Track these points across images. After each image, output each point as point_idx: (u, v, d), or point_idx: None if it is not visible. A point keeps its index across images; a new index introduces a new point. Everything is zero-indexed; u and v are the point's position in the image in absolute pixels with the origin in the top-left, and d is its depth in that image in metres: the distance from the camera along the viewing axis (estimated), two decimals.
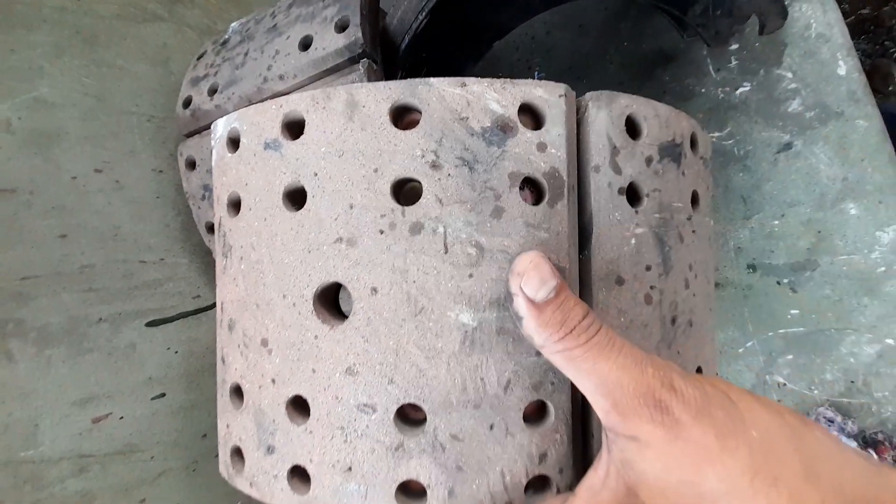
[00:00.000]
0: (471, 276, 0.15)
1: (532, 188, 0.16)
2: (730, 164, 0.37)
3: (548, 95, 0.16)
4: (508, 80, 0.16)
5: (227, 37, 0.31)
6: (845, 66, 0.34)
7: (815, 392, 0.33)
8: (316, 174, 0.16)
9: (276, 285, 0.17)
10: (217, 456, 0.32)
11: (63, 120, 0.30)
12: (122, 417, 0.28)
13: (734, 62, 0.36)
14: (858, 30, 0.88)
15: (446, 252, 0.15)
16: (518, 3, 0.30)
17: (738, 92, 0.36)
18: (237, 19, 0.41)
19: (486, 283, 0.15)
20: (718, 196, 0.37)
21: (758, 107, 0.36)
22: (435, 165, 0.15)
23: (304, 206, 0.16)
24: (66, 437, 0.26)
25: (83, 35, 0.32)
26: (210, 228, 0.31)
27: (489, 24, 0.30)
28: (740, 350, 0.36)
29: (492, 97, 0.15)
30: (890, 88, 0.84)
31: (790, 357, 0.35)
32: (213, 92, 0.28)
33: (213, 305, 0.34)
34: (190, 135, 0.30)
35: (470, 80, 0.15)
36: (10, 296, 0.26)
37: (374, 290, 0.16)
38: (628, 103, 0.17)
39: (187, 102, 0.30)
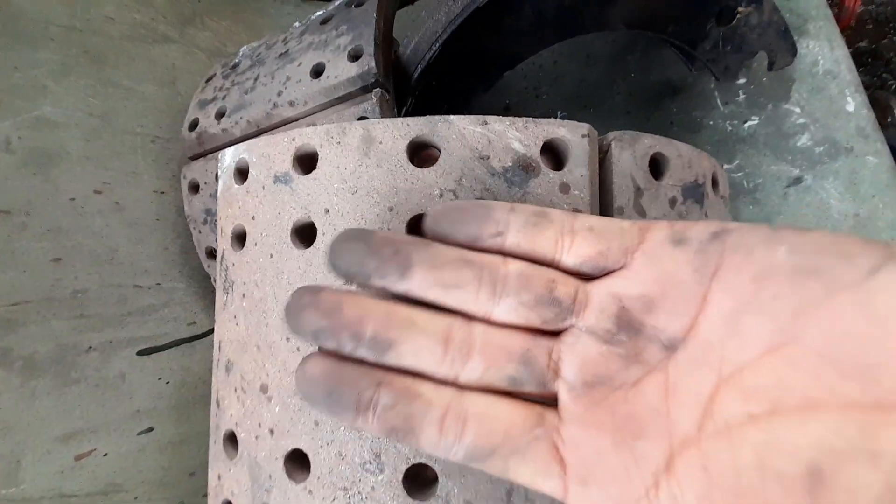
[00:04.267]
0: None
1: None
2: (739, 197, 0.36)
3: (571, 135, 0.15)
4: (531, 119, 0.15)
5: (237, 60, 0.30)
6: (853, 102, 0.35)
7: None
8: (327, 211, 0.15)
9: (280, 327, 0.16)
10: (205, 496, 0.30)
11: (65, 139, 0.29)
12: (106, 454, 0.27)
13: (742, 96, 0.36)
14: (857, 62, 0.90)
15: None
16: (530, 34, 0.30)
17: (746, 125, 0.36)
18: (247, 42, 0.41)
19: None
20: None
21: (766, 140, 0.36)
22: None
23: (314, 244, 0.16)
24: (48, 474, 0.25)
25: (91, 55, 0.32)
26: (210, 253, 0.30)
27: (501, 55, 0.30)
28: None
29: (514, 136, 0.15)
30: (889, 120, 0.86)
31: None
32: (220, 115, 0.28)
33: (209, 332, 0.33)
34: (194, 157, 0.30)
35: (491, 119, 0.15)
36: None
37: None
38: (652, 143, 0.17)
39: (193, 125, 0.29)
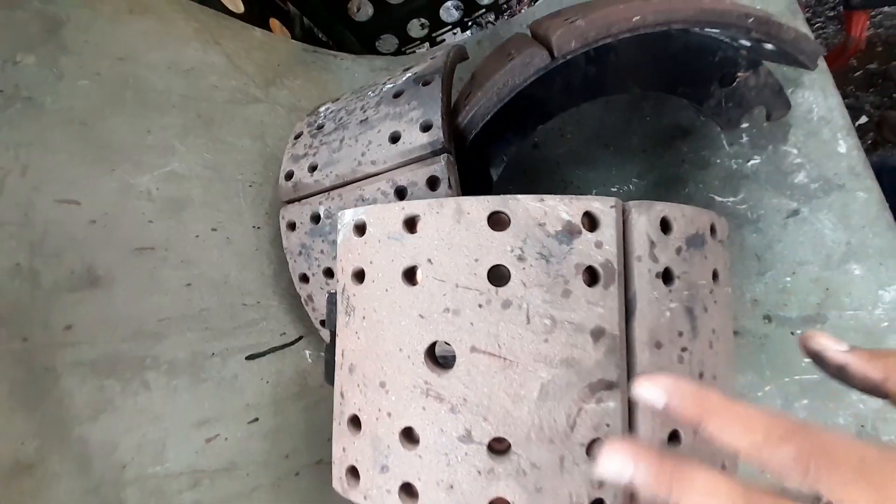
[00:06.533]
0: (546, 340, 0.21)
1: (587, 274, 0.22)
2: (744, 226, 0.42)
3: (602, 206, 0.21)
4: (574, 196, 0.21)
5: (321, 122, 0.38)
6: (845, 144, 0.39)
7: None
8: (429, 260, 0.22)
9: (394, 341, 0.22)
10: (297, 474, 0.37)
11: (189, 189, 0.37)
12: (226, 438, 0.34)
13: (745, 138, 0.42)
14: (867, 83, 0.93)
15: (528, 322, 0.21)
16: (560, 98, 0.36)
17: (749, 164, 0.42)
18: (317, 96, 0.48)
19: (558, 346, 0.21)
20: (735, 253, 0.42)
21: (767, 177, 0.41)
22: (521, 258, 0.21)
23: (419, 283, 0.22)
24: (186, 454, 0.32)
25: (203, 118, 0.40)
26: (302, 278, 0.37)
27: (537, 114, 0.37)
28: (759, 394, 0.40)
29: (563, 209, 0.21)
30: None
31: (805, 402, 0.38)
32: (312, 169, 0.35)
33: (295, 341, 0.40)
34: (290, 201, 0.37)
35: (546, 197, 0.21)
36: (150, 335, 0.32)
37: (473, 348, 0.21)
38: (662, 209, 0.23)
39: (289, 175, 0.36)
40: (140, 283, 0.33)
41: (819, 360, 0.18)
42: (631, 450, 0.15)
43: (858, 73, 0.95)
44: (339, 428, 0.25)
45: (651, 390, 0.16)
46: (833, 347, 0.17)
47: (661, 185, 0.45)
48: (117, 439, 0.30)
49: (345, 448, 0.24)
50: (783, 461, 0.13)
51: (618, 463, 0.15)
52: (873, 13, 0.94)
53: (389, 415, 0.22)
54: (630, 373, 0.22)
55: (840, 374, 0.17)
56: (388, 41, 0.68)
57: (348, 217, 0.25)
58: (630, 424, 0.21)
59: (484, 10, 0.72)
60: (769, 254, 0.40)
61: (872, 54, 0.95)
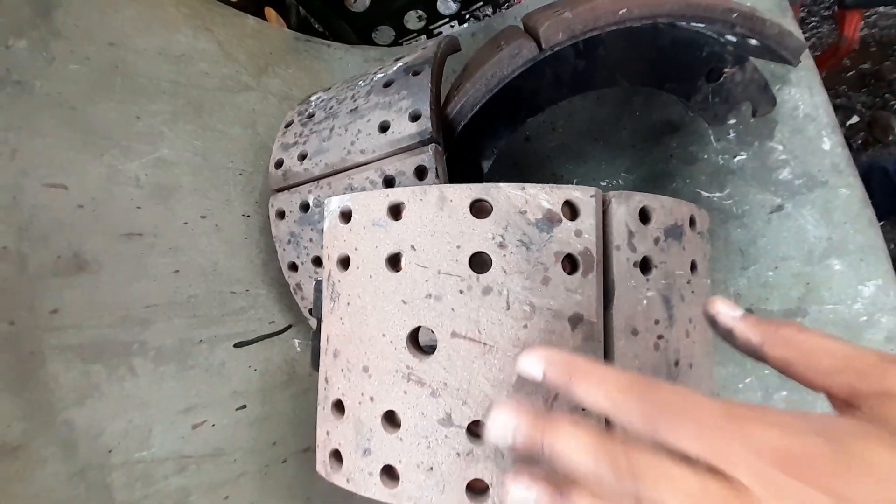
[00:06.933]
0: (525, 326, 0.21)
1: (567, 261, 0.22)
2: (729, 221, 0.42)
3: (583, 195, 0.22)
4: (555, 185, 0.22)
5: (312, 111, 0.38)
6: (829, 141, 0.40)
7: None
8: (413, 247, 0.22)
9: (377, 326, 0.23)
10: (284, 462, 0.37)
11: (178, 176, 0.37)
12: (213, 425, 0.34)
13: (732, 134, 0.42)
14: (860, 83, 0.94)
15: (508, 308, 0.21)
16: (550, 91, 0.36)
17: (735, 160, 0.42)
18: (308, 85, 0.48)
19: (537, 332, 0.21)
20: (719, 247, 0.42)
21: (753, 173, 0.41)
22: (501, 245, 0.21)
23: (402, 269, 0.22)
24: (172, 440, 0.32)
25: (193, 104, 0.40)
26: (291, 266, 0.37)
27: (527, 106, 0.37)
28: (740, 385, 0.40)
29: (544, 197, 0.21)
30: (889, 139, 0.90)
31: (784, 393, 0.39)
32: (302, 158, 0.35)
33: (284, 330, 0.40)
34: (279, 190, 0.37)
35: (528, 185, 0.21)
36: (137, 321, 0.32)
37: (454, 333, 0.21)
38: (641, 199, 0.23)
39: (279, 164, 0.36)
40: (127, 269, 0.33)
41: (713, 322, 0.19)
42: (513, 408, 0.17)
43: (851, 73, 0.95)
44: (324, 412, 0.25)
45: (531, 362, 0.17)
46: (726, 312, 0.18)
47: (650, 180, 0.45)
48: (103, 424, 0.30)
49: (328, 432, 0.24)
50: (632, 415, 0.15)
51: (502, 420, 0.17)
52: (868, 13, 0.95)
53: (372, 399, 0.22)
54: (608, 359, 0.22)
55: (728, 337, 0.18)
56: (385, 33, 0.68)
57: (334, 204, 0.25)
58: None
59: (481, 3, 0.72)
60: (753, 248, 0.41)
61: (866, 54, 0.95)
